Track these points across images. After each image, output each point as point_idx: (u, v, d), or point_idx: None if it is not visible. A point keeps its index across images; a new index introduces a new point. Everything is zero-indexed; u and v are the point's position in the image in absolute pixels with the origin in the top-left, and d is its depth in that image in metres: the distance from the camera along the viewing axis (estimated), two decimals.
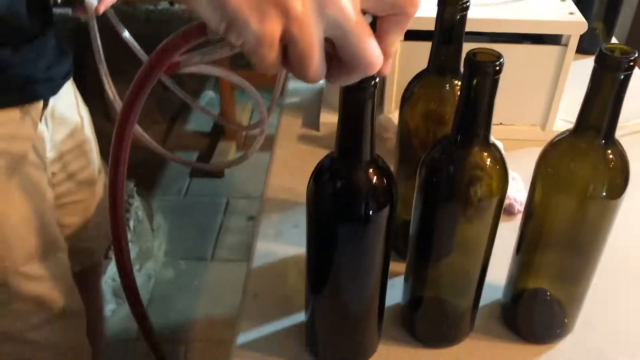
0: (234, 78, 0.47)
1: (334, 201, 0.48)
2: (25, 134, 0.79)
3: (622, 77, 0.46)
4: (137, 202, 1.81)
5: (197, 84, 2.48)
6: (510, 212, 0.76)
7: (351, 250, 0.50)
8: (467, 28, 0.81)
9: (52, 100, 0.84)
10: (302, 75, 0.35)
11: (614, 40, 1.13)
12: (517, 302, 0.62)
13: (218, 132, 2.35)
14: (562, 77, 0.83)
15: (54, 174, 0.91)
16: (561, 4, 0.82)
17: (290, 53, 0.34)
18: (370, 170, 0.47)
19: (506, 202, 0.76)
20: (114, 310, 1.70)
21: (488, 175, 0.50)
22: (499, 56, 0.45)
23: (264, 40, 0.33)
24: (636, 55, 0.46)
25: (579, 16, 0.79)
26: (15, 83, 0.75)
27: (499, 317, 0.64)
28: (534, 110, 0.87)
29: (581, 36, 0.83)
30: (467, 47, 0.81)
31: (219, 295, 1.75)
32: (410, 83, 0.61)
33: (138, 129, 0.77)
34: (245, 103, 2.49)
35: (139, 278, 1.78)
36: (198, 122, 2.46)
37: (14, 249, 0.79)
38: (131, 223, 1.75)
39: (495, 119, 0.87)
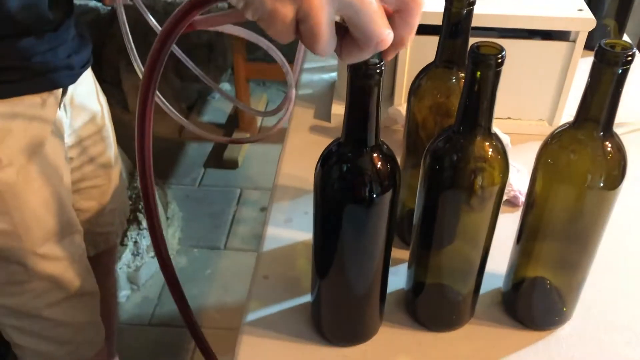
0: (252, 37, 0.49)
1: (339, 184, 0.50)
2: (45, 119, 0.82)
3: (620, 71, 0.48)
4: None
5: (213, 76, 2.51)
6: (515, 204, 0.78)
7: (355, 232, 0.52)
8: (477, 23, 0.83)
9: (72, 88, 0.88)
10: (312, 49, 0.38)
11: (625, 37, 1.14)
12: (517, 289, 0.64)
13: (233, 124, 2.38)
14: (570, 73, 0.84)
15: (72, 158, 0.94)
16: (570, 1, 0.84)
17: (301, 29, 0.37)
18: (375, 155, 0.49)
19: (511, 193, 0.78)
20: (128, 297, 1.74)
21: (489, 165, 0.52)
22: (501, 49, 0.47)
23: (277, 19, 0.36)
24: (634, 50, 0.47)
25: (587, 12, 0.81)
26: (36, 71, 0.79)
27: (499, 304, 0.66)
28: (541, 105, 0.88)
29: (592, 33, 0.84)
30: (475, 41, 0.84)
31: (231, 284, 1.78)
32: (417, 75, 0.63)
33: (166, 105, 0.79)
34: (261, 95, 2.52)
35: (154, 265, 1.82)
36: (213, 114, 2.50)
37: (33, 230, 0.82)
38: None
39: (503, 113, 0.90)
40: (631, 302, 0.67)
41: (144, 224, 1.77)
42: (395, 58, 0.87)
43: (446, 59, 0.60)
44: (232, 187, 2.15)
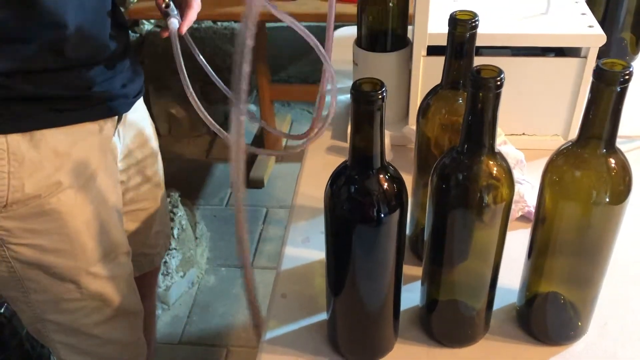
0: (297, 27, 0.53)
1: (347, 205, 0.52)
2: (102, 145, 0.87)
3: (619, 90, 0.49)
4: (181, 212, 1.89)
5: None
6: (530, 219, 0.78)
7: (364, 251, 0.54)
8: (490, 43, 0.85)
9: (126, 115, 0.93)
10: None
11: None
12: (531, 304, 0.65)
13: (258, 144, 2.42)
14: (582, 88, 0.85)
15: (123, 181, 0.99)
16: (581, 17, 0.85)
17: None
18: (380, 177, 0.51)
19: (525, 209, 0.78)
20: (159, 316, 1.78)
21: (494, 183, 0.54)
22: (499, 72, 0.49)
23: None
24: (631, 69, 0.48)
25: (597, 29, 0.82)
26: (95, 100, 0.84)
27: (514, 319, 0.67)
28: (556, 120, 0.89)
29: (609, 46, 0.85)
30: (488, 60, 0.85)
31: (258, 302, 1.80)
32: (425, 97, 0.65)
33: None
34: (285, 115, 2.56)
35: (183, 284, 1.86)
36: None
37: (87, 250, 0.87)
38: (175, 231, 1.83)
39: (518, 129, 0.91)
40: None
41: (174, 244, 1.82)
42: (408, 80, 0.88)
43: (452, 80, 0.62)
44: (258, 206, 2.19)
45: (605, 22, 1.08)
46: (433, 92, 0.65)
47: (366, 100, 0.47)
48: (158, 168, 1.07)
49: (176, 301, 1.84)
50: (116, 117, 0.90)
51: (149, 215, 1.07)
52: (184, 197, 2.05)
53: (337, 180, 0.53)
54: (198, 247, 1.97)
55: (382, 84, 0.47)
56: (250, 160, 2.35)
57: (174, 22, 0.87)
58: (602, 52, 0.96)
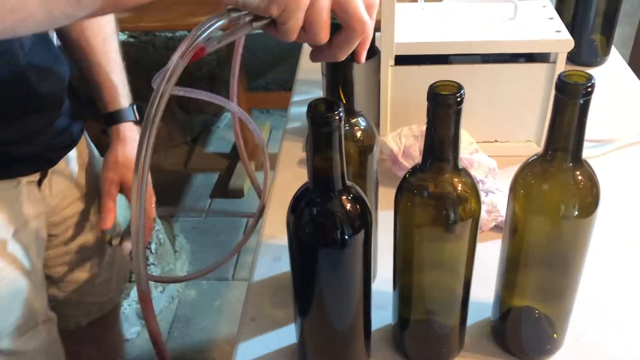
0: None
1: (310, 229, 0.50)
2: (22, 203, 0.79)
3: (582, 102, 0.48)
4: (158, 226, 1.86)
5: (216, 107, 2.53)
6: (502, 228, 0.77)
7: (331, 274, 0.52)
8: (459, 50, 0.83)
9: (52, 170, 0.86)
10: (317, 37, 0.45)
11: (613, 50, 1.13)
12: (505, 319, 0.63)
13: (237, 153, 2.40)
14: (553, 93, 0.84)
15: (54, 236, 0.91)
16: (549, 22, 0.84)
17: (308, 16, 0.43)
18: (343, 198, 0.50)
19: (499, 219, 0.77)
20: (138, 333, 1.75)
21: (459, 199, 0.52)
22: (459, 87, 0.47)
23: (301, 5, 0.42)
24: (593, 81, 0.47)
25: (565, 34, 0.81)
26: (14, 157, 0.78)
27: (489, 335, 0.65)
28: (528, 126, 0.88)
29: (580, 48, 0.84)
30: (459, 68, 0.84)
31: (239, 314, 1.78)
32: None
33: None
34: (263, 123, 2.54)
35: (163, 299, 1.83)
36: (218, 144, 2.52)
37: None
38: (153, 246, 1.80)
39: (490, 136, 0.90)
40: (623, 328, 0.66)
41: (151, 259, 1.79)
42: (378, 90, 0.87)
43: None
44: (238, 216, 2.16)
45: (575, 24, 1.08)
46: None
47: (323, 122, 0.45)
48: (96, 221, 0.96)
49: (156, 317, 1.80)
50: (39, 174, 0.83)
51: (93, 265, 0.97)
52: (162, 208, 2.02)
53: (299, 203, 0.51)
54: (177, 261, 1.95)
55: (338, 104, 0.46)
56: (230, 169, 2.33)
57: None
58: (573, 54, 0.96)
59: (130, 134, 0.91)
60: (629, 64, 1.13)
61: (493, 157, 0.84)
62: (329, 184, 0.49)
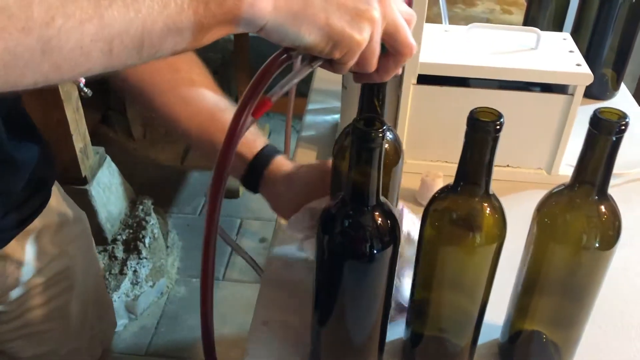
0: None
1: (340, 240, 0.51)
2: None
3: (615, 139, 0.49)
4: (153, 220, 1.86)
5: None
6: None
7: (355, 286, 0.53)
8: (481, 75, 0.85)
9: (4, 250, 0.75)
10: (367, 67, 0.46)
11: (622, 87, 1.16)
12: (513, 342, 0.65)
13: None
14: (568, 124, 0.86)
15: (2, 313, 0.80)
16: (569, 55, 0.86)
17: (363, 52, 0.44)
18: (376, 214, 0.51)
19: None
20: (125, 326, 1.74)
21: (487, 223, 0.53)
22: (499, 116, 0.49)
23: (363, 45, 0.43)
24: (627, 119, 0.49)
25: (585, 68, 0.83)
26: None
27: (496, 356, 0.67)
28: (540, 154, 0.90)
29: (592, 82, 0.85)
30: (478, 92, 0.86)
31: (228, 315, 1.78)
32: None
33: None
34: (263, 125, 2.55)
35: (152, 294, 1.82)
36: None
37: None
38: (147, 240, 1.80)
39: (502, 160, 0.92)
40: (627, 357, 0.67)
41: (144, 253, 1.78)
42: (397, 105, 0.89)
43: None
44: (232, 217, 2.17)
45: (589, 58, 1.10)
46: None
47: (368, 139, 0.46)
48: (64, 289, 0.85)
49: (144, 311, 1.80)
50: None
51: (56, 337, 0.88)
52: (157, 204, 2.02)
53: (333, 214, 0.52)
54: (169, 257, 1.94)
55: (382, 122, 0.47)
56: None
57: None
58: (585, 87, 0.98)
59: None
60: (634, 96, 1.16)
61: (504, 181, 0.86)
62: (364, 198, 0.50)
